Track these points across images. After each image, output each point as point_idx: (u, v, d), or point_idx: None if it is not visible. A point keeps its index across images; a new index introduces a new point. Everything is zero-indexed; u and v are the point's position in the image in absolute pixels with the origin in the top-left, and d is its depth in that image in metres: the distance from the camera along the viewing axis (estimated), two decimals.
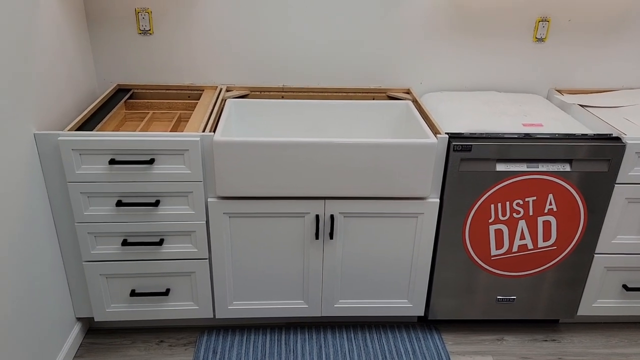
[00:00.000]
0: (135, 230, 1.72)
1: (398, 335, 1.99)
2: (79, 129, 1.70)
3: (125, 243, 1.72)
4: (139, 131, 1.75)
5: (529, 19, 2.06)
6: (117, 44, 2.04)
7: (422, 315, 1.96)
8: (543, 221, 1.79)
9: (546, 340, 2.01)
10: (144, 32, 2.02)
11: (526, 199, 1.76)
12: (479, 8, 2.04)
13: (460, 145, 1.68)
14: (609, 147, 1.69)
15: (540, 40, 2.10)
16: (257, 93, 2.12)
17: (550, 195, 1.75)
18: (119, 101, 1.96)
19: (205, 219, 1.73)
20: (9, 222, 1.45)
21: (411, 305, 1.93)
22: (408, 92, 2.16)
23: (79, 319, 1.91)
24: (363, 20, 2.05)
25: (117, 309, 1.84)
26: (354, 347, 1.93)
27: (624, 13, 2.07)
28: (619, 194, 1.76)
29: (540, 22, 2.07)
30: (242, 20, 2.03)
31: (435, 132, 1.73)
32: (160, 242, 1.73)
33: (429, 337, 1.99)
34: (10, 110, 1.45)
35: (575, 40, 2.11)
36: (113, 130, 1.84)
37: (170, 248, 1.76)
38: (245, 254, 1.80)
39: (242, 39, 2.06)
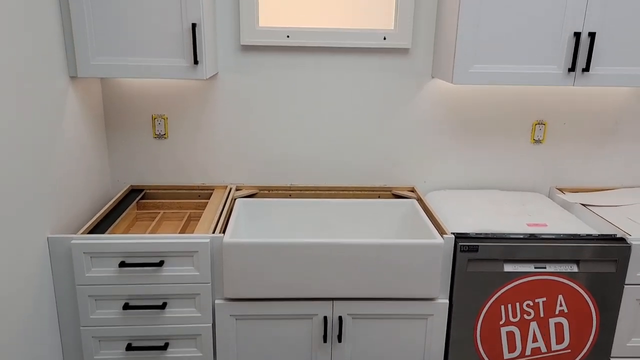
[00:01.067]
0: (141, 334, 1.69)
1: None
2: (91, 232, 1.73)
3: (129, 348, 1.69)
4: (149, 232, 1.79)
5: (526, 122, 2.17)
6: (132, 148, 2.13)
7: None
8: (555, 323, 1.76)
9: None
10: (159, 136, 2.12)
11: (536, 300, 1.74)
12: (478, 116, 2.15)
13: (467, 246, 1.70)
14: (614, 248, 1.70)
15: (538, 141, 2.19)
16: (266, 192, 2.18)
17: (560, 296, 1.74)
18: (132, 202, 2.01)
19: (211, 322, 1.71)
20: (13, 323, 1.44)
21: None
22: (413, 190, 2.21)
23: None
24: (368, 122, 2.16)
25: None
26: None
27: (615, 117, 2.17)
28: (630, 295, 1.74)
29: (537, 125, 2.17)
30: (251, 123, 2.13)
31: (441, 231, 1.76)
32: (165, 347, 1.70)
33: None
34: (27, 215, 1.50)
35: (571, 141, 2.20)
36: (124, 231, 1.87)
37: (175, 353, 1.72)
38: (251, 358, 1.76)
39: (251, 140, 2.15)
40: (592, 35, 1.75)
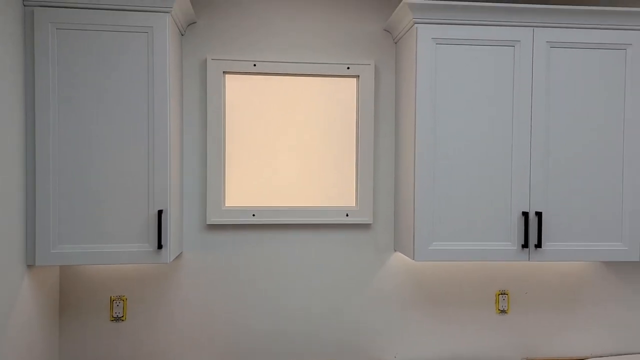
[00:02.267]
0: None
1: None
2: None
3: None
4: None
5: (490, 293, 2.20)
6: (86, 333, 2.01)
7: None
8: None
9: None
10: (117, 319, 2.03)
11: None
12: (443, 289, 2.18)
13: None
14: None
15: (503, 311, 2.20)
16: None
17: None
18: None
19: None
20: None
21: None
22: None
23: None
24: (335, 297, 2.14)
25: None
26: None
27: (574, 286, 2.23)
28: None
29: (500, 295, 2.20)
30: (216, 302, 2.08)
31: None
32: None
33: None
34: None
35: (535, 310, 2.22)
36: None
37: None
38: None
39: (216, 320, 2.08)
40: (539, 214, 1.87)
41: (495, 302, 2.20)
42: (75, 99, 1.72)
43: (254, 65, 2.07)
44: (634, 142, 1.92)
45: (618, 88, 1.91)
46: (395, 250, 2.16)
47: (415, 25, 1.85)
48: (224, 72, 2.06)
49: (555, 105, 1.89)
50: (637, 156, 1.92)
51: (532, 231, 1.88)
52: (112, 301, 2.02)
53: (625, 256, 1.92)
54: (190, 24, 2.06)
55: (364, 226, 2.16)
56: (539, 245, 1.87)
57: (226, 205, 2.09)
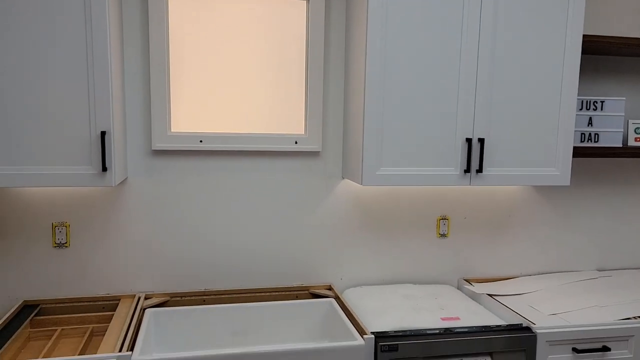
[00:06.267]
0: None
1: None
2: None
3: None
4: (44, 354, 1.60)
5: (431, 218, 2.31)
6: (27, 259, 1.96)
7: None
8: None
9: None
10: (60, 245, 1.98)
11: None
12: (388, 214, 2.26)
13: (387, 345, 1.70)
14: (522, 338, 1.79)
15: (444, 235, 2.33)
16: (178, 299, 2.07)
17: None
18: (24, 320, 1.81)
19: None
20: None
21: None
22: (330, 288, 2.22)
23: None
24: (282, 222, 2.17)
25: None
26: None
27: (508, 210, 2.38)
28: None
29: (441, 220, 2.31)
30: (161, 228, 2.07)
31: (361, 331, 1.75)
32: None
33: None
34: None
35: (472, 234, 2.36)
36: (14, 356, 1.66)
37: None
38: None
39: (161, 246, 2.07)
40: (481, 140, 1.95)
41: (437, 227, 2.32)
42: (12, 24, 1.58)
43: None
44: (568, 71, 2.01)
45: (559, 17, 1.97)
46: (343, 178, 2.20)
47: None
48: None
49: (500, 33, 1.93)
50: (573, 85, 2.01)
51: (474, 157, 1.97)
52: (54, 227, 1.96)
53: (558, 181, 2.05)
54: None
55: (313, 154, 2.17)
56: (480, 170, 1.96)
57: (172, 130, 2.04)
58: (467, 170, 1.96)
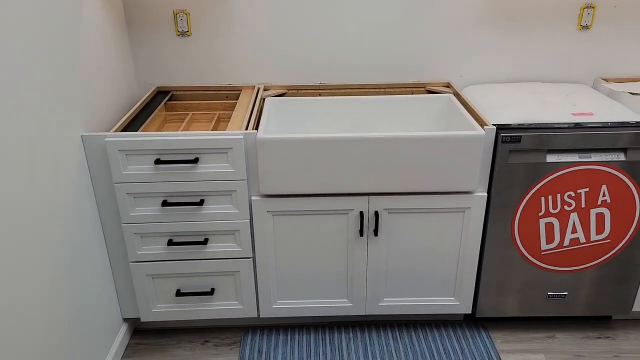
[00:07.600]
0: (181, 230, 1.72)
1: (445, 334, 1.95)
2: (123, 131, 1.71)
3: (170, 243, 1.73)
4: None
5: (574, 6, 2.00)
6: (155, 47, 2.05)
7: (470, 313, 1.91)
8: (596, 213, 1.73)
9: (600, 338, 1.94)
10: (182, 34, 2.03)
11: (578, 191, 1.70)
12: (522, 6, 1.99)
13: (509, 137, 1.64)
14: None
15: (586, 27, 2.04)
16: (295, 91, 2.11)
17: (604, 187, 1.69)
18: (159, 103, 1.97)
19: (249, 218, 1.72)
20: (58, 223, 1.46)
21: (458, 302, 1.89)
22: (448, 85, 2.12)
23: (125, 319, 1.92)
24: (400, 15, 2.02)
25: (162, 309, 1.85)
26: (400, 346, 1.89)
27: None
28: None
29: (585, 9, 2.00)
30: (279, 19, 2.02)
31: (482, 124, 1.69)
32: (205, 242, 1.73)
33: (476, 335, 1.94)
34: (60, 113, 1.47)
35: (621, 27, 2.03)
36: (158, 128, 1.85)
37: (214, 247, 1.76)
38: (288, 252, 1.79)
39: (279, 37, 2.05)
40: None
41: (579, 17, 2.02)
42: None
43: None
44: None
45: None
46: None
47: None
48: None
49: None
50: None
51: None
52: (175, 15, 2.00)
53: None
54: None
55: None
56: None
57: None
58: None
